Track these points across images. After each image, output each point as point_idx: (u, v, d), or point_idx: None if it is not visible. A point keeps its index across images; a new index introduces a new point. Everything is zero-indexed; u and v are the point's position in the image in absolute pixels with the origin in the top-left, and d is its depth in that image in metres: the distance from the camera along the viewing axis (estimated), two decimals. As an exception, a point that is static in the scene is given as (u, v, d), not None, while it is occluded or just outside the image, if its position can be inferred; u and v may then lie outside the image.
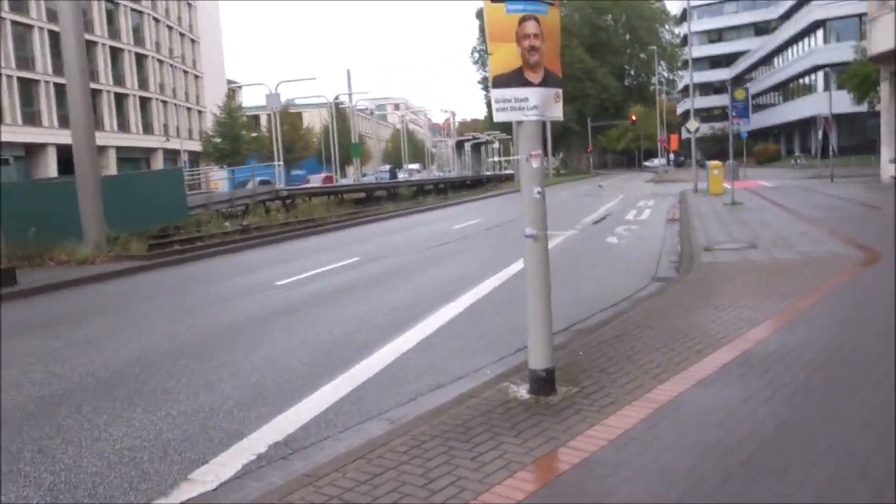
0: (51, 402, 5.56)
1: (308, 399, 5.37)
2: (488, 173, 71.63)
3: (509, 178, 59.57)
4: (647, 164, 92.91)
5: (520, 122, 4.82)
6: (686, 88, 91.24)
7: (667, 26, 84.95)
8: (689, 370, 5.28)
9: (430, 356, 6.46)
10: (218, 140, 61.52)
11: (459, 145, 75.61)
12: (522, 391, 5.05)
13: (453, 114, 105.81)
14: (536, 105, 4.75)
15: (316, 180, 42.95)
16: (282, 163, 36.33)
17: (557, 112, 4.97)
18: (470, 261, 12.67)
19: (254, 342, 7.23)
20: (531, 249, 4.94)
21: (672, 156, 69.08)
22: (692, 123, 30.52)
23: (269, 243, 17.48)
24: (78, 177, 14.06)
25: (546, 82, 4.78)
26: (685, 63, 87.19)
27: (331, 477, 3.77)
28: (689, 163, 67.49)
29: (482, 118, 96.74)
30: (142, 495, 3.90)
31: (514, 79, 4.72)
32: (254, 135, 64.52)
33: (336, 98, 57.90)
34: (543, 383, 4.96)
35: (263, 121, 75.31)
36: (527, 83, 4.72)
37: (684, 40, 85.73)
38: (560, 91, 4.97)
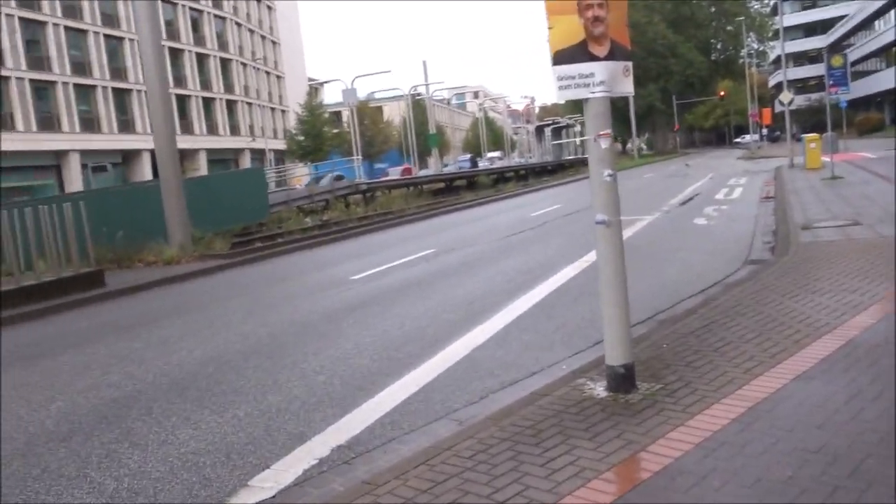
0: (124, 405, 5.59)
1: (375, 398, 5.18)
2: (570, 157, 70.34)
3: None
4: (737, 140, 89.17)
5: (586, 101, 4.45)
6: (778, 59, 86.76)
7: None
8: (787, 363, 4.79)
9: (502, 351, 6.17)
10: (301, 138, 62.91)
11: (539, 130, 74.61)
12: (599, 389, 4.70)
13: (532, 99, 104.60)
14: (603, 80, 4.37)
15: (395, 173, 43.17)
16: (360, 157, 36.66)
17: (627, 87, 4.58)
18: (547, 249, 12.28)
19: (325, 339, 7.12)
20: (603, 237, 4.57)
21: (765, 131, 65.77)
22: (786, 95, 28.82)
23: (347, 237, 17.57)
24: (162, 180, 14.50)
25: (613, 55, 4.39)
26: (776, 33, 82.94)
27: (391, 485, 3.55)
28: (783, 137, 64.27)
29: (563, 102, 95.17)
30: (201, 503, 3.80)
31: (577, 53, 4.36)
32: (335, 131, 65.52)
33: (413, 89, 57.95)
34: (622, 380, 4.60)
35: (345, 116, 76.42)
36: (592, 57, 4.35)
37: (774, 9, 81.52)
38: (629, 64, 4.57)
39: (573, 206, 21.07)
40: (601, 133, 4.44)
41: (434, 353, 6.23)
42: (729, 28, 78.00)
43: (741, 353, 5.11)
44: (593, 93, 4.40)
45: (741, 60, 78.11)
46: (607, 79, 4.38)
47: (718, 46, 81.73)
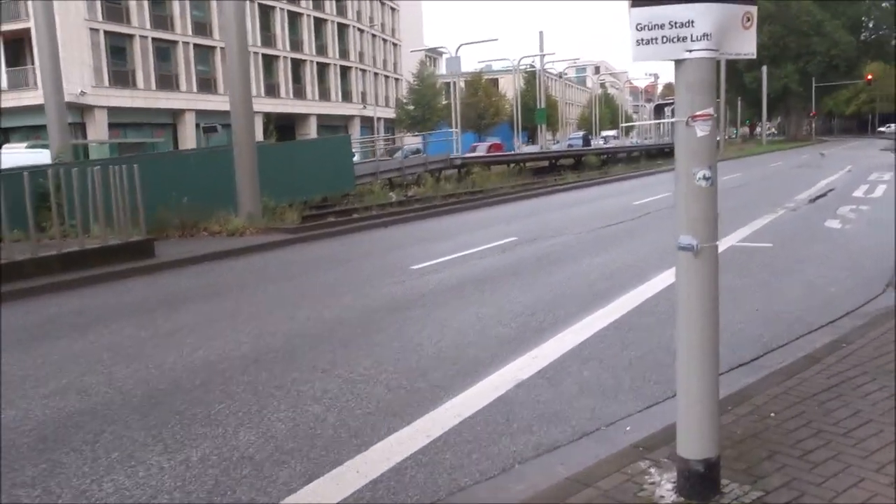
0: (74, 424, 4.61)
1: (368, 452, 3.95)
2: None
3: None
4: (882, 130, 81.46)
5: (679, 63, 2.94)
6: (938, 41, 78.16)
7: (918, -32, 72.59)
8: (961, 478, 3.17)
9: (551, 393, 4.77)
10: (411, 107, 62.31)
11: (659, 109, 70.63)
12: (666, 486, 3.26)
13: (656, 76, 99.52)
14: (708, 33, 2.86)
15: (482, 149, 41.45)
16: (458, 129, 35.22)
17: (747, 45, 3.03)
18: (641, 247, 10.60)
19: (345, 351, 5.95)
20: (687, 270, 3.07)
21: (915, 120, 59.33)
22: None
23: (427, 217, 16.36)
24: (235, 145, 13.76)
25: (725, -8, 2.86)
26: (939, 11, 74.55)
27: None
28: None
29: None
30: None
31: (668, -12, 2.86)
32: (445, 102, 64.47)
33: (520, 61, 55.77)
34: (700, 480, 3.14)
35: (461, 87, 75.15)
36: (691, -6, 2.84)
37: (939, -16, 73.15)
38: (752, 10, 3.01)
39: (684, 195, 18.95)
40: (698, 114, 2.92)
41: (465, 386, 4.91)
42: (885, 4, 70.58)
43: (888, 444, 3.51)
44: (690, 51, 2.89)
45: (895, 41, 70.71)
46: (715, 30, 2.86)
47: (870, 25, 74.27)
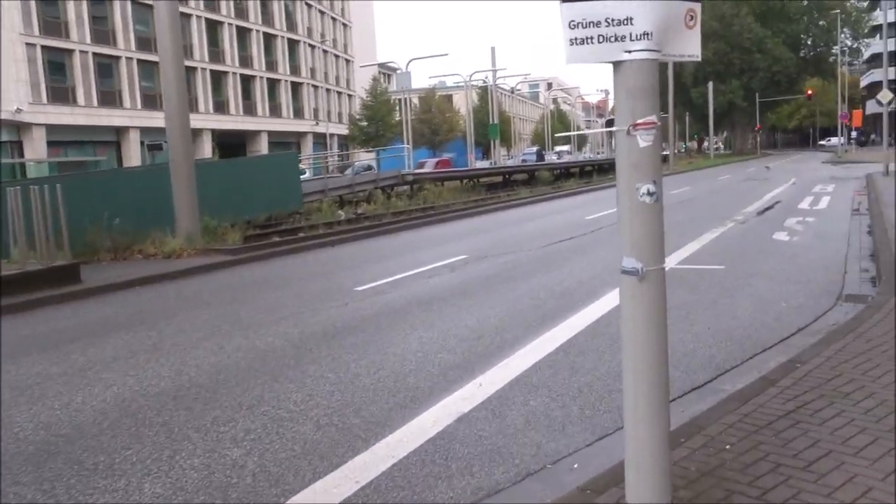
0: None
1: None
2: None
3: (663, 159, 55.25)
4: (822, 143, 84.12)
5: (617, 66, 2.64)
6: (872, 58, 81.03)
7: (852, -12, 75.26)
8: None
9: (495, 426, 4.41)
10: (364, 123, 61.88)
11: (610, 123, 71.38)
12: (615, 536, 2.91)
13: (607, 92, 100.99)
14: (648, 31, 2.56)
15: (430, 165, 41.17)
16: (410, 145, 34.92)
17: (691, 46, 2.74)
18: (593, 263, 10.38)
19: (271, 386, 5.50)
20: (632, 297, 2.76)
21: (854, 134, 61.19)
22: (885, 94, 25.81)
23: (376, 235, 15.92)
24: (171, 162, 13.11)
25: (667, -12, 2.57)
26: (873, 29, 77.26)
27: None
28: (875, 141, 59.46)
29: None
30: None
31: (603, -18, 2.56)
32: (399, 118, 64.24)
33: (471, 76, 55.92)
34: (651, 529, 2.80)
35: (415, 103, 74.98)
36: (629, -9, 2.54)
37: (873, 3, 75.93)
38: (696, 7, 2.73)
39: (635, 209, 18.90)
40: (640, 122, 2.62)
41: (403, 421, 4.53)
42: (822, 23, 72.91)
43: (850, 479, 3.24)
44: (630, 52, 2.59)
45: (832, 58, 73.09)
46: (656, 29, 2.57)
47: (809, 42, 76.66)
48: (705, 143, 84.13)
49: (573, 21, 2.59)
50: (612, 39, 2.58)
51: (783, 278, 8.63)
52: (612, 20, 2.57)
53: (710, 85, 66.07)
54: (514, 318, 7.25)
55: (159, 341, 7.02)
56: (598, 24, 2.58)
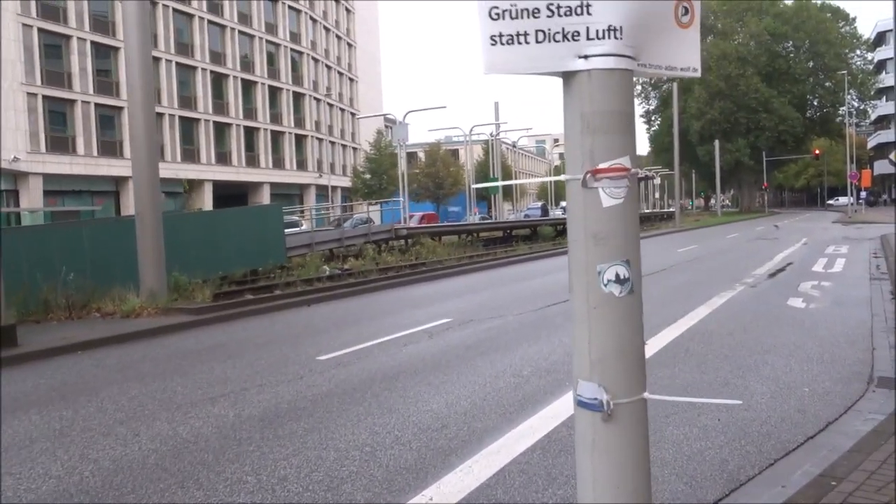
0: None
1: None
2: (646, 211, 66.53)
3: (670, 216, 54.44)
4: (831, 202, 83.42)
5: (569, 78, 1.67)
6: (880, 120, 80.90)
7: (858, 51, 75.42)
8: None
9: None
10: (367, 176, 61.51)
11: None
12: None
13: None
14: (616, 26, 1.60)
15: (416, 219, 40.37)
16: (405, 199, 34.11)
17: (686, 54, 1.79)
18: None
19: (178, 493, 4.43)
20: (591, 445, 1.73)
21: (863, 193, 60.42)
22: (898, 154, 24.96)
23: (359, 293, 14.86)
24: (137, 214, 12.22)
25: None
26: (879, 91, 77.25)
27: None
28: (886, 201, 58.68)
29: (645, 154, 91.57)
30: None
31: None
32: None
33: (471, 130, 55.70)
34: None
35: (422, 157, 74.82)
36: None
37: (878, 66, 76.08)
38: (695, 3, 1.78)
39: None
40: (603, 168, 1.63)
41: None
42: (828, 84, 72.93)
43: None
44: (587, 57, 1.63)
45: (839, 118, 72.83)
46: (629, 22, 1.61)
47: (815, 103, 76.55)
48: (712, 201, 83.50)
49: (496, 8, 1.65)
50: (559, 37, 1.63)
51: (803, 356, 7.55)
52: (559, 7, 1.62)
53: (717, 143, 65.75)
54: (490, 400, 6.18)
55: (69, 425, 5.97)
56: (535, 12, 1.63)
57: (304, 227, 32.48)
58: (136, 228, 12.05)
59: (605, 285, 1.61)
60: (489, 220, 42.97)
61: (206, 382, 7.26)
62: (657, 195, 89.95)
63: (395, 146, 69.05)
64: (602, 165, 1.58)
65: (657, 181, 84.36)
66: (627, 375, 1.62)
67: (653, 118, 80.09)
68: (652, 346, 8.14)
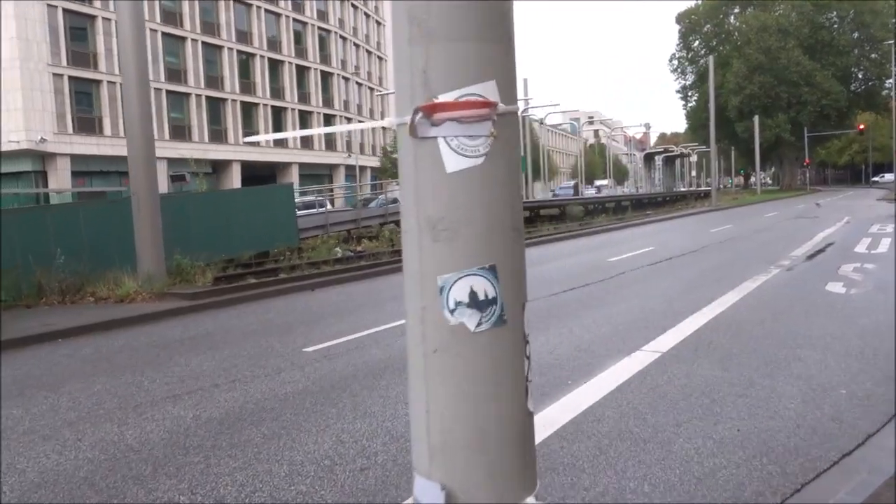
0: None
1: None
2: (682, 189, 64.83)
3: (706, 194, 52.82)
4: (876, 179, 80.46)
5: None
6: (929, 91, 77.43)
7: (907, 20, 72.03)
8: None
9: None
10: (396, 155, 60.99)
11: (649, 158, 69.31)
12: None
13: (647, 126, 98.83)
14: None
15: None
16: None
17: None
18: (599, 321, 8.55)
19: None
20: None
21: (911, 170, 57.88)
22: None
23: (368, 277, 14.16)
24: (132, 194, 11.69)
25: None
26: (930, 61, 73.86)
27: None
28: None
29: (682, 131, 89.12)
30: None
31: None
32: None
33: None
34: None
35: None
36: None
37: (929, 34, 72.69)
38: None
39: (666, 250, 16.96)
40: (450, 104, 0.89)
41: None
42: (873, 56, 69.85)
43: None
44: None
45: (885, 92, 69.84)
46: None
47: (860, 76, 73.49)
48: (752, 179, 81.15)
49: None
50: None
51: (841, 349, 6.70)
52: None
53: (756, 119, 63.51)
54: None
55: (14, 426, 5.44)
56: None
57: (328, 208, 32.01)
58: (131, 209, 11.56)
59: (452, 311, 0.91)
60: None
61: (177, 377, 6.68)
62: (694, 173, 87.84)
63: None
64: (443, 98, 0.88)
65: (693, 159, 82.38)
66: (493, 473, 0.92)
67: (689, 93, 77.90)
68: (672, 338, 7.39)
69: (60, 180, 37.66)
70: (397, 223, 24.83)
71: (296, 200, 23.90)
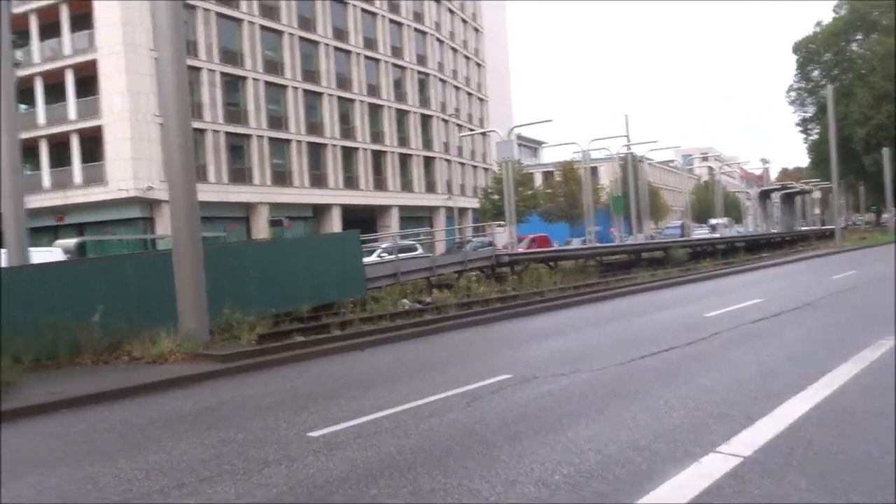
0: None
1: None
2: (803, 229, 60.18)
3: (830, 233, 48.50)
4: None
5: None
6: None
7: None
8: None
9: None
10: (496, 197, 59.99)
11: (764, 196, 64.92)
12: None
13: (765, 161, 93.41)
14: None
15: (525, 244, 37.73)
16: (509, 222, 31.64)
17: None
18: (682, 398, 6.98)
19: None
20: None
21: None
22: None
23: (427, 334, 12.81)
24: (174, 244, 11.11)
25: None
26: None
27: None
28: None
29: (804, 166, 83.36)
30: None
31: None
32: (529, 192, 62.12)
33: (583, 146, 52.56)
34: None
35: (557, 176, 72.42)
36: None
37: None
38: None
39: (775, 303, 14.84)
40: None
41: None
42: None
43: None
44: None
45: None
46: None
47: None
48: (884, 215, 74.52)
49: None
50: None
51: None
52: None
53: (885, 151, 58.27)
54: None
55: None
56: None
57: (419, 252, 31.28)
58: (172, 259, 11.00)
59: None
60: (606, 244, 39.64)
61: (144, 472, 5.68)
62: (817, 210, 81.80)
63: (527, 166, 67.23)
64: None
65: (816, 195, 76.69)
66: None
67: (809, 126, 73.01)
68: (760, 433, 5.75)
69: (167, 227, 39.01)
70: (481, 269, 23.65)
71: (397, 244, 23.50)
